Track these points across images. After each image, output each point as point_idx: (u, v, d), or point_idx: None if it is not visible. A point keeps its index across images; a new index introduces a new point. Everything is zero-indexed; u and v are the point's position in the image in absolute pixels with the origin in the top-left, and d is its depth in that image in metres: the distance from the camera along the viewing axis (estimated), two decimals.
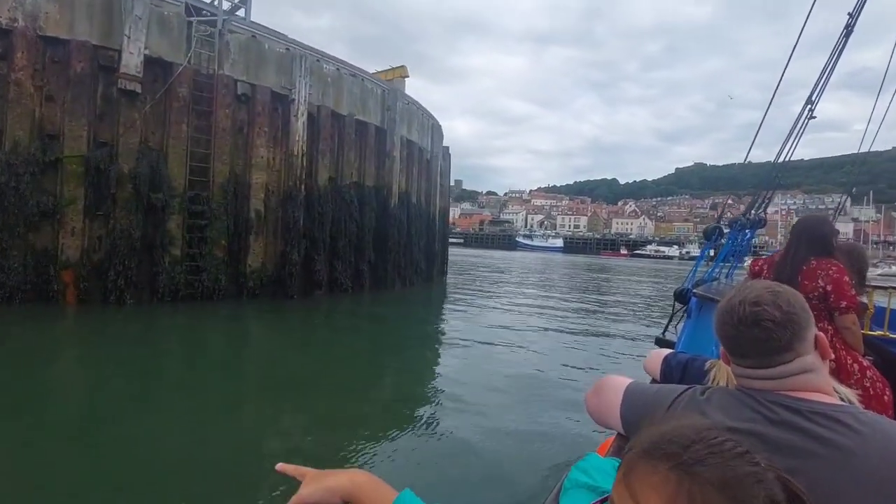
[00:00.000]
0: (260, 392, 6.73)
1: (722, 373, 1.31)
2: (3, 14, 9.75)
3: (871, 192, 75.34)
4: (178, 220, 11.28)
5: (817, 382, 1.02)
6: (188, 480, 4.06)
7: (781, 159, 5.00)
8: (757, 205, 5.09)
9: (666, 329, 4.54)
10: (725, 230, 5.21)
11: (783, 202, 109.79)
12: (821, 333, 1.07)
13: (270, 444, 4.93)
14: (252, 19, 13.33)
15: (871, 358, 2.49)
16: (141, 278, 10.85)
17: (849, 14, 4.86)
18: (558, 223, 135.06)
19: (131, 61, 10.55)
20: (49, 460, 4.18)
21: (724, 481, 0.61)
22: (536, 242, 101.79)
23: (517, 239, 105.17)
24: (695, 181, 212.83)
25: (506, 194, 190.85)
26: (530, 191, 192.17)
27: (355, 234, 14.88)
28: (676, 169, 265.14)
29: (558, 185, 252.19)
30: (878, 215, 73.93)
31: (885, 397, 2.23)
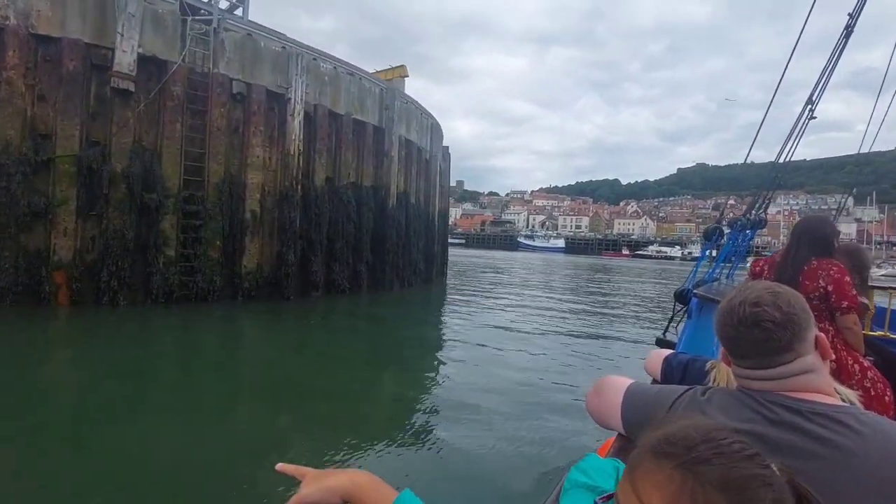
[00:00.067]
0: (256, 393, 6.66)
1: (722, 373, 1.31)
2: None
3: (875, 193, 75.02)
4: (173, 221, 11.15)
5: (818, 383, 1.02)
6: (185, 482, 4.02)
7: (782, 160, 5.00)
8: (757, 205, 5.09)
9: (666, 329, 4.55)
10: (726, 231, 5.20)
11: (786, 202, 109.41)
12: (821, 334, 1.07)
13: (267, 446, 4.86)
14: (257, 21, 13.26)
15: (871, 358, 2.49)
16: (134, 279, 10.72)
17: (849, 15, 4.87)
18: (560, 224, 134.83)
19: (124, 60, 10.42)
20: (44, 461, 4.15)
21: (728, 482, 0.60)
22: (538, 243, 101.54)
23: (519, 239, 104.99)
24: (697, 181, 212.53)
25: (507, 195, 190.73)
26: (532, 191, 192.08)
27: (353, 234, 14.74)
28: (678, 169, 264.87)
29: (560, 185, 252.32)
30: (882, 216, 73.58)
31: (886, 398, 2.23)
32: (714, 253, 5.26)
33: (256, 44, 12.70)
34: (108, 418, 5.31)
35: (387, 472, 4.08)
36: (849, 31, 4.84)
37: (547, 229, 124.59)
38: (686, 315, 4.25)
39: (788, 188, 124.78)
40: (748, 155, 5.84)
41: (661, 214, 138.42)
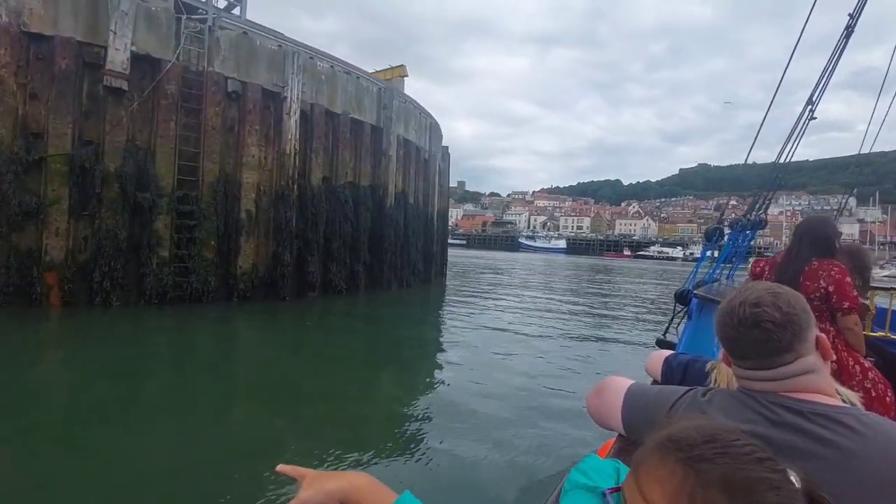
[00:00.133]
0: (251, 394, 6.57)
1: (723, 374, 1.32)
2: None
3: (878, 193, 74.78)
4: (166, 221, 11.02)
5: (818, 383, 1.02)
6: (179, 484, 3.97)
7: (782, 160, 5.02)
8: (758, 206, 5.09)
9: (667, 330, 4.55)
10: (726, 231, 5.20)
11: (788, 203, 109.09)
12: (822, 334, 1.06)
13: (263, 447, 4.78)
14: (258, 22, 13.12)
15: (872, 359, 2.48)
16: (127, 280, 10.60)
17: (849, 15, 4.88)
18: (561, 224, 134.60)
19: (117, 58, 10.30)
20: (37, 462, 4.14)
21: (731, 483, 0.60)
22: (539, 244, 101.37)
23: (520, 240, 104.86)
24: (699, 182, 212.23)
25: (509, 195, 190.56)
26: (533, 192, 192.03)
27: (350, 234, 14.60)
28: (680, 170, 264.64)
29: (561, 186, 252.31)
30: (885, 216, 73.24)
31: (887, 398, 2.23)
32: (715, 254, 5.26)
33: (252, 42, 12.57)
34: (101, 419, 5.26)
35: (385, 474, 3.95)
36: (849, 31, 4.83)
37: (548, 230, 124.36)
38: (686, 316, 4.23)
39: (791, 189, 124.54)
40: (748, 156, 5.83)
41: (662, 215, 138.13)
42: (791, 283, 2.21)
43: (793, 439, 0.93)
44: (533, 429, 5.36)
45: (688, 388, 1.19)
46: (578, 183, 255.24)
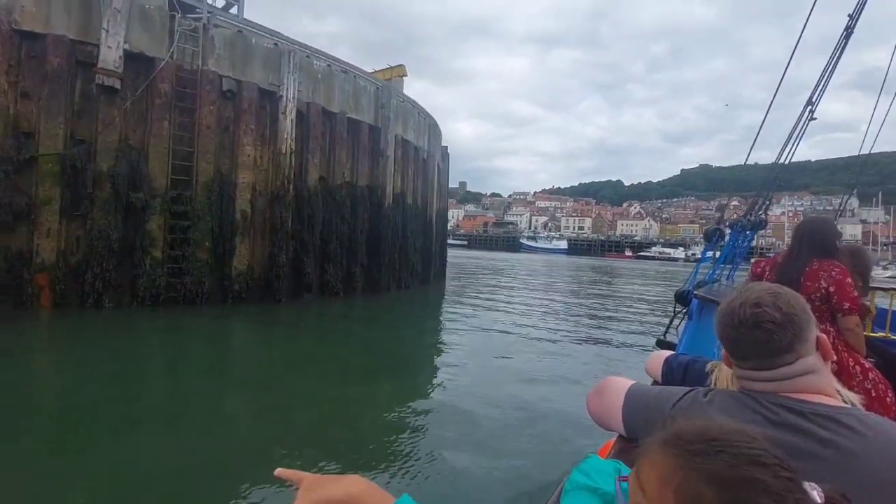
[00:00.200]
0: (245, 398, 6.47)
1: (723, 375, 1.31)
2: None
3: (881, 194, 74.49)
4: (160, 221, 10.89)
5: (819, 384, 1.02)
6: (172, 487, 3.93)
7: (782, 161, 5.04)
8: (758, 206, 5.10)
9: (667, 331, 4.54)
10: (726, 232, 5.21)
11: (790, 204, 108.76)
12: (822, 335, 1.06)
13: (258, 452, 4.71)
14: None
15: (873, 360, 2.48)
16: (120, 281, 10.47)
17: (849, 16, 4.88)
18: (563, 225, 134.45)
19: (110, 56, 10.17)
20: (28, 465, 4.09)
21: (719, 479, 0.61)
22: (541, 244, 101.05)
23: (521, 241, 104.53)
24: (700, 182, 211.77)
25: (510, 196, 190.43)
26: (535, 192, 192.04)
27: (347, 235, 14.45)
28: (682, 170, 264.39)
29: (563, 186, 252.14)
30: (888, 217, 72.87)
31: (888, 399, 2.23)
32: (716, 255, 5.23)
33: (247, 41, 12.45)
34: (93, 422, 5.20)
35: (382, 478, 4.17)
36: (849, 32, 4.83)
37: (549, 230, 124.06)
38: (686, 316, 4.22)
39: (793, 189, 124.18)
40: (748, 156, 5.84)
41: (664, 216, 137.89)
42: (792, 283, 2.19)
43: (793, 440, 0.93)
44: (532, 431, 5.30)
45: (688, 388, 1.19)
46: (580, 184, 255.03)
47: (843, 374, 2.25)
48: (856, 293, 2.53)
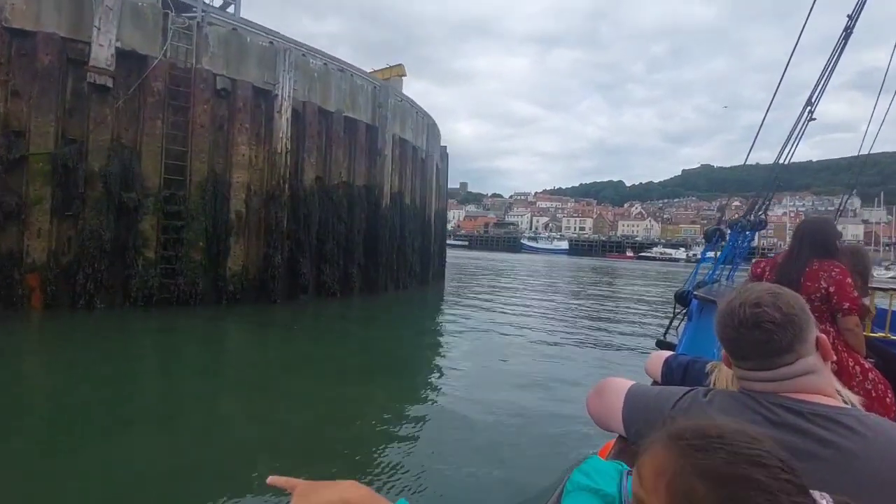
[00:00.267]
0: (239, 399, 6.39)
1: (723, 375, 1.30)
2: None
3: (882, 194, 74.22)
4: (153, 221, 10.75)
5: (819, 384, 1.02)
6: (164, 490, 3.87)
7: (782, 161, 5.05)
8: (758, 206, 5.11)
9: (667, 331, 4.54)
10: (727, 232, 5.20)
11: (792, 204, 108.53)
12: (822, 335, 1.06)
13: (252, 454, 4.65)
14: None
15: (872, 360, 2.48)
16: (112, 282, 10.33)
17: (848, 16, 4.89)
18: (563, 225, 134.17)
19: (101, 54, 10.04)
20: (18, 467, 4.04)
21: (714, 475, 0.61)
22: (541, 245, 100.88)
23: (522, 241, 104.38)
24: (702, 183, 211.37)
25: (511, 196, 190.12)
26: (536, 193, 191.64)
27: (344, 235, 14.31)
28: (683, 170, 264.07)
29: (564, 187, 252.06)
30: (890, 217, 72.59)
31: (888, 399, 2.22)
32: (717, 254, 5.23)
33: (242, 39, 12.31)
34: (84, 423, 5.16)
35: (379, 482, 4.07)
36: (848, 32, 4.83)
37: (550, 231, 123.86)
38: (686, 317, 4.23)
39: (795, 189, 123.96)
40: (747, 157, 5.84)
41: (665, 216, 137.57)
42: (792, 283, 2.19)
43: (792, 440, 0.93)
44: (531, 433, 5.24)
45: (688, 388, 1.19)
46: (581, 184, 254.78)
47: (842, 374, 2.23)
48: (856, 293, 2.53)
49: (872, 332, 3.14)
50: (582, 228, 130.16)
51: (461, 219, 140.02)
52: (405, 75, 24.49)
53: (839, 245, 2.77)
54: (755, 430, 0.69)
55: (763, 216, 5.10)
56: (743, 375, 1.07)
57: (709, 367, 1.45)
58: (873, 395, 2.22)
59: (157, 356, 8.53)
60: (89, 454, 4.42)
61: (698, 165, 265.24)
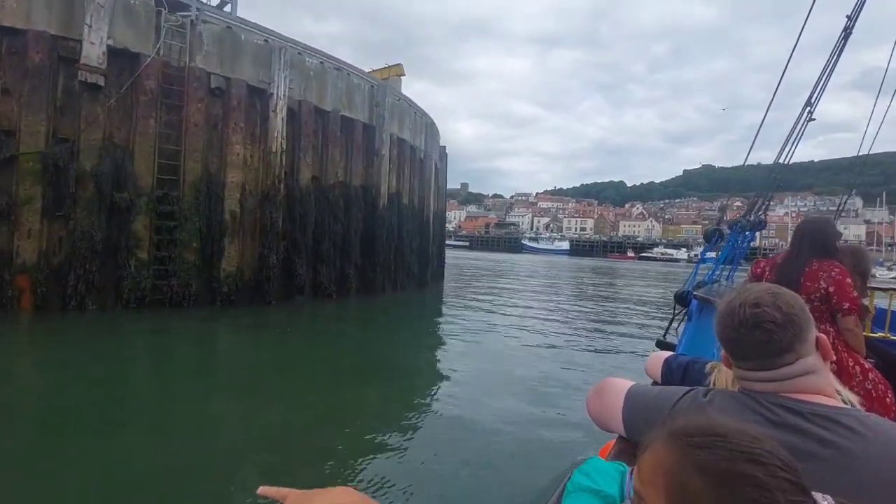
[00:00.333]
0: (232, 402, 6.29)
1: (722, 376, 1.29)
2: None
3: (885, 194, 73.95)
4: (145, 222, 10.61)
5: (819, 384, 1.02)
6: (157, 491, 3.84)
7: (782, 161, 5.06)
8: (757, 206, 5.12)
9: (667, 331, 4.54)
10: (726, 232, 5.19)
11: (794, 204, 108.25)
12: (822, 335, 1.06)
13: (244, 458, 4.60)
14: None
15: (872, 360, 2.47)
16: (104, 283, 10.19)
17: (847, 17, 4.90)
18: (564, 226, 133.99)
19: (92, 52, 9.90)
20: (8, 469, 4.00)
21: (712, 470, 0.61)
22: (542, 245, 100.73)
23: (523, 242, 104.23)
24: (703, 183, 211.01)
25: (512, 197, 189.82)
26: (536, 193, 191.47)
27: (341, 236, 14.16)
28: (684, 171, 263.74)
29: (565, 187, 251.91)
30: (892, 217, 72.33)
31: (888, 399, 2.22)
32: (716, 255, 5.27)
33: (236, 37, 12.16)
34: (76, 424, 5.12)
35: (374, 487, 3.95)
36: (847, 32, 4.85)
37: (551, 231, 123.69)
38: (686, 317, 4.24)
39: (797, 190, 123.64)
40: (747, 157, 5.84)
41: (666, 216, 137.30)
42: (791, 283, 2.19)
43: (792, 440, 0.92)
44: (530, 436, 5.17)
45: (688, 388, 1.19)
46: (582, 184, 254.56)
47: (842, 374, 2.22)
48: (855, 293, 2.52)
49: (872, 332, 3.14)
50: (583, 229, 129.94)
51: (462, 219, 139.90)
52: (404, 75, 24.36)
53: (839, 245, 2.78)
54: (757, 430, 0.69)
55: (763, 216, 5.10)
56: (743, 376, 1.07)
57: (708, 367, 1.44)
58: (873, 395, 2.22)
59: (149, 358, 8.43)
60: (80, 456, 4.37)
61: (700, 166, 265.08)
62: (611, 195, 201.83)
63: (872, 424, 0.94)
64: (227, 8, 14.90)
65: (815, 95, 4.88)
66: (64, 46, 9.93)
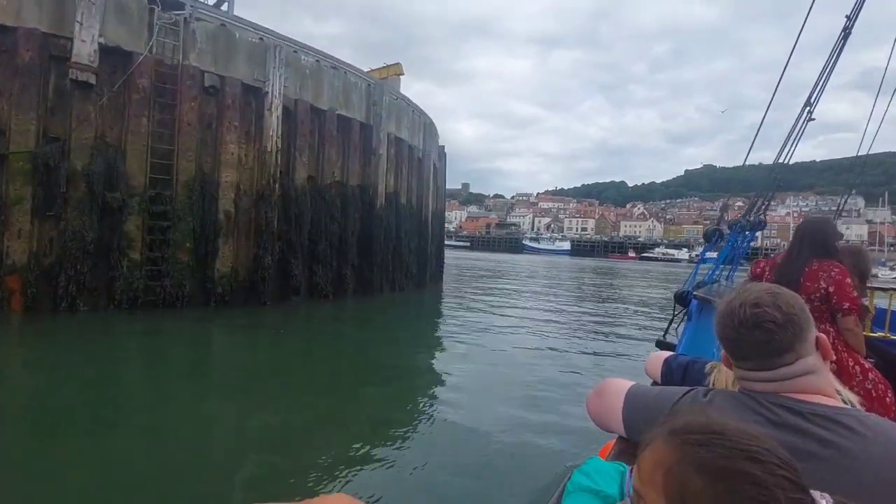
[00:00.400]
0: (225, 404, 6.18)
1: (722, 376, 1.29)
2: None
3: (887, 194, 73.69)
4: (138, 222, 10.47)
5: (819, 384, 1.02)
6: (149, 493, 3.79)
7: (782, 160, 5.07)
8: (757, 206, 5.12)
9: (667, 331, 4.53)
10: (726, 232, 5.18)
11: (795, 204, 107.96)
12: (822, 335, 1.06)
13: (237, 458, 4.52)
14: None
15: (872, 360, 2.47)
16: (96, 284, 10.05)
17: (846, 17, 4.91)
18: (566, 226, 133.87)
19: (84, 50, 9.77)
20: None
21: (710, 467, 0.62)
22: (543, 245, 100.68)
23: (524, 242, 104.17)
24: (704, 183, 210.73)
25: (513, 197, 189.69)
26: (538, 194, 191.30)
27: (337, 236, 14.01)
28: (685, 171, 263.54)
29: (566, 187, 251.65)
30: (894, 217, 72.06)
31: (888, 399, 2.21)
32: (716, 255, 5.25)
33: (231, 35, 12.02)
34: (67, 425, 5.08)
35: (370, 490, 3.86)
36: (847, 32, 4.87)
37: (552, 232, 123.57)
38: (686, 317, 4.24)
39: (798, 189, 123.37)
40: (746, 157, 5.85)
41: (668, 216, 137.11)
42: (791, 283, 2.18)
43: (792, 440, 0.92)
44: (530, 436, 5.13)
45: (688, 388, 1.19)
46: (583, 185, 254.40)
47: (842, 374, 2.22)
48: (855, 293, 2.53)
49: (872, 331, 3.13)
50: (584, 229, 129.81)
51: (463, 220, 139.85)
52: (403, 74, 24.18)
53: (839, 245, 2.79)
54: (757, 430, 0.69)
55: (762, 216, 5.09)
56: (743, 376, 1.07)
57: (708, 367, 1.44)
58: (873, 395, 2.22)
59: (142, 359, 8.32)
60: (71, 457, 4.33)
61: (701, 166, 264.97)
62: (612, 195, 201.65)
63: (872, 424, 0.94)
64: (224, 7, 14.78)
65: (815, 95, 4.89)
66: (55, 44, 9.79)
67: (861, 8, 4.90)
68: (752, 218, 5.03)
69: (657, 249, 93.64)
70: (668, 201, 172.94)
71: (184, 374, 7.46)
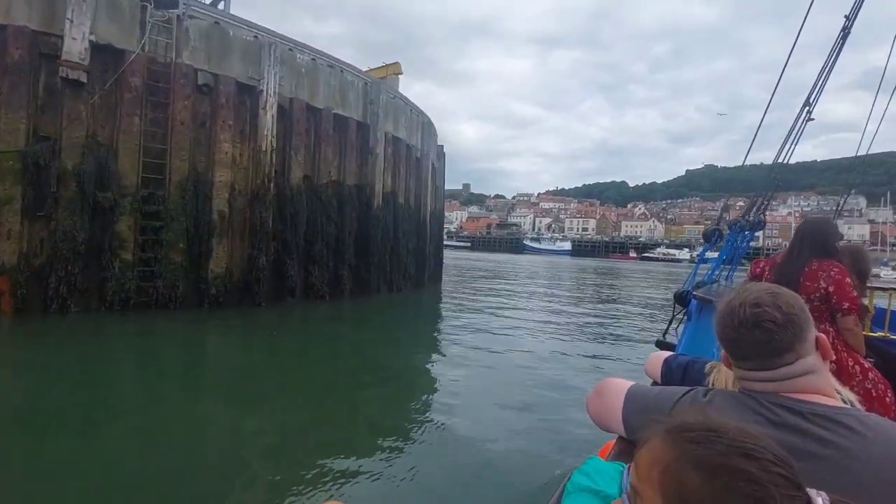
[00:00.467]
0: (218, 406, 6.10)
1: (722, 375, 1.29)
2: None
3: (889, 194, 73.45)
4: (130, 222, 10.33)
5: (818, 384, 1.02)
6: (141, 494, 3.75)
7: (781, 160, 5.07)
8: (756, 206, 5.10)
9: (667, 331, 4.52)
10: (725, 232, 5.19)
11: (797, 203, 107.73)
12: (822, 334, 1.06)
13: (231, 463, 4.44)
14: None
15: (872, 360, 2.47)
16: (87, 285, 9.92)
17: (846, 17, 4.91)
18: (566, 226, 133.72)
19: (74, 48, 9.63)
20: None
21: (707, 464, 0.62)
22: (544, 246, 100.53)
23: (525, 242, 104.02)
24: (705, 183, 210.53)
25: (514, 197, 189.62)
26: (538, 194, 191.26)
27: (334, 236, 13.87)
28: (686, 171, 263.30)
29: (566, 188, 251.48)
30: None
31: (887, 399, 2.21)
32: (716, 255, 5.24)
33: (225, 33, 11.88)
34: (58, 426, 5.03)
35: (368, 494, 3.86)
36: (846, 32, 4.87)
37: (553, 232, 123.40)
38: (686, 317, 4.25)
39: (799, 189, 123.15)
40: (746, 157, 5.87)
41: (668, 216, 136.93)
42: (791, 283, 2.18)
43: (792, 440, 0.92)
44: (529, 438, 5.10)
45: (688, 388, 1.19)
46: (584, 185, 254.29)
47: (842, 374, 2.22)
48: (855, 293, 2.52)
49: (872, 331, 3.13)
50: (585, 229, 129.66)
51: (464, 220, 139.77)
52: (401, 73, 24.05)
53: (838, 245, 2.79)
54: (754, 428, 0.69)
55: (762, 216, 5.08)
56: (743, 376, 1.07)
57: (708, 367, 1.43)
58: (873, 394, 2.22)
59: (133, 360, 8.20)
60: (62, 458, 4.29)
61: (702, 166, 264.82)
62: (613, 195, 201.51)
63: (872, 424, 0.94)
64: (221, 5, 14.66)
65: (814, 95, 4.89)
66: (45, 42, 9.67)
67: (860, 8, 4.89)
68: (751, 218, 5.02)
69: (658, 249, 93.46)
70: (669, 201, 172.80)
71: (176, 376, 7.36)
